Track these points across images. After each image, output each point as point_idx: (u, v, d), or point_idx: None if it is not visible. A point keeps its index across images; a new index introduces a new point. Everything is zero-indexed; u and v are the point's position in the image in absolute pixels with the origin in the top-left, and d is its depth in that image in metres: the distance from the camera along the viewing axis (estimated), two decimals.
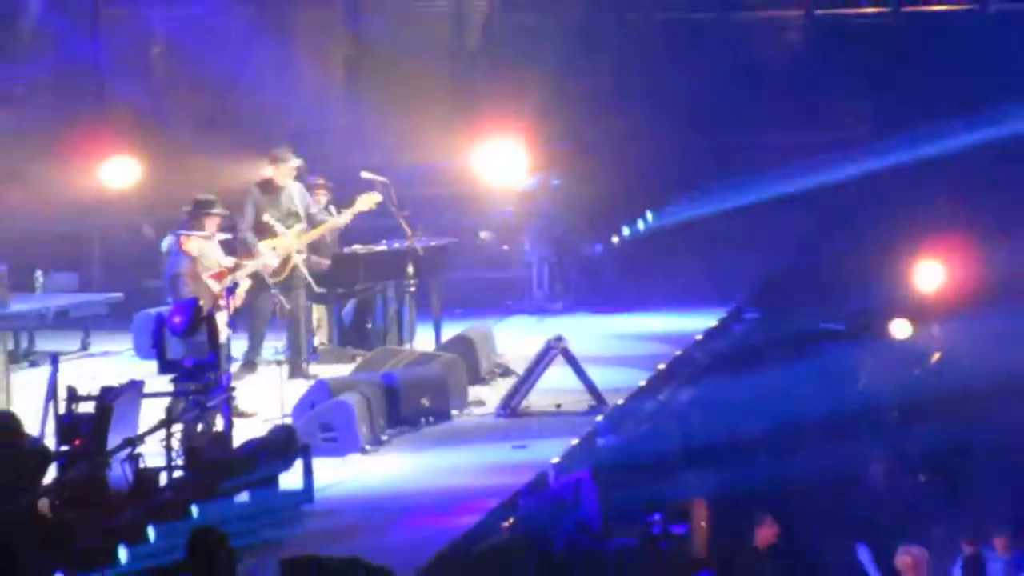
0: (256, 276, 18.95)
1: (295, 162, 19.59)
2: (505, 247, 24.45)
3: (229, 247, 18.69)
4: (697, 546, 18.15)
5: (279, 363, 18.92)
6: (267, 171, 19.50)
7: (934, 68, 25.07)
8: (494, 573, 14.14)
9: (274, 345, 20.05)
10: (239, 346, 18.99)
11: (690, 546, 18.01)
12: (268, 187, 19.50)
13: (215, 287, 18.12)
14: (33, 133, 24.28)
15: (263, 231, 19.28)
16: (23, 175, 24.02)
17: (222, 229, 18.47)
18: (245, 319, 19.29)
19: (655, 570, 16.73)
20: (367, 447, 17.00)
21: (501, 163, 22.86)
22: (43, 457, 14.83)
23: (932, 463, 18.34)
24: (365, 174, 19.73)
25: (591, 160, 25.45)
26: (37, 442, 15.09)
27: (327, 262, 20.14)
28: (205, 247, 18.33)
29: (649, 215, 25.18)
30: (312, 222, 19.59)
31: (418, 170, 21.44)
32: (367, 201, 19.60)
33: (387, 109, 24.18)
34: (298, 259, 19.32)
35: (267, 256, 19.16)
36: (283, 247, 19.30)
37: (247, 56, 24.78)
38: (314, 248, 19.80)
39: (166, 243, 19.10)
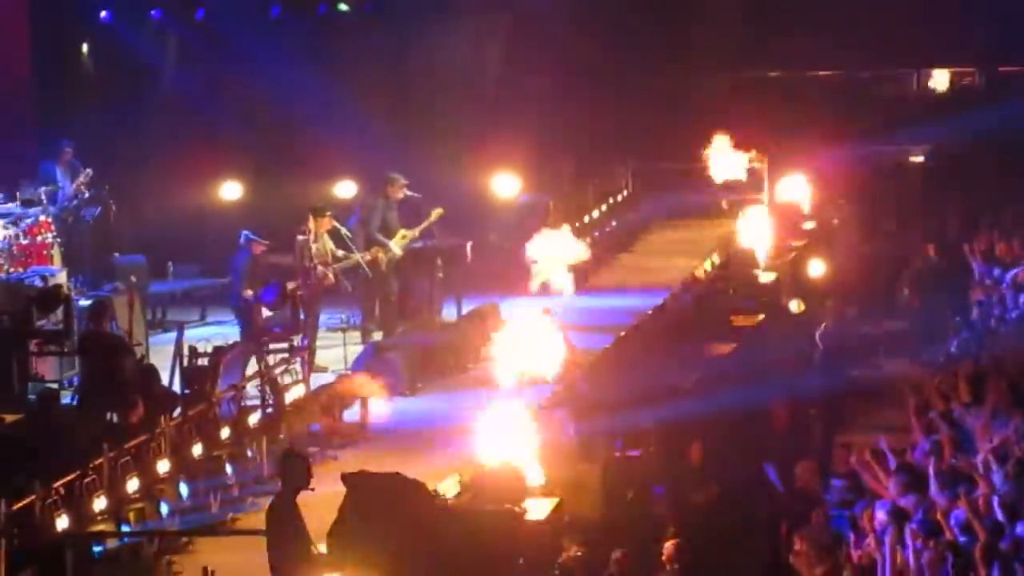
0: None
1: (403, 182, 19.28)
2: (506, 244, 24.10)
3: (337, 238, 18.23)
4: (648, 464, 17.63)
5: (343, 330, 18.59)
6: (389, 189, 19.19)
7: None
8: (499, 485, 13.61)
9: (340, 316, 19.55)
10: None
11: (644, 465, 17.53)
12: (388, 201, 19.19)
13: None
14: (167, 163, 23.82)
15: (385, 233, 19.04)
16: (168, 193, 23.44)
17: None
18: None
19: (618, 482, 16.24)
20: (406, 391, 16.61)
21: (504, 185, 22.69)
22: (173, 399, 14.69)
23: (819, 401, 17.84)
24: (407, 192, 19.36)
25: (565, 182, 25.39)
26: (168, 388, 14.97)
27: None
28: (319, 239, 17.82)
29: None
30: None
31: (446, 189, 21.02)
32: (436, 214, 19.27)
33: (424, 147, 23.77)
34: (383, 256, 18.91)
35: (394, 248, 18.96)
36: (399, 246, 19.00)
37: (323, 109, 24.30)
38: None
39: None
